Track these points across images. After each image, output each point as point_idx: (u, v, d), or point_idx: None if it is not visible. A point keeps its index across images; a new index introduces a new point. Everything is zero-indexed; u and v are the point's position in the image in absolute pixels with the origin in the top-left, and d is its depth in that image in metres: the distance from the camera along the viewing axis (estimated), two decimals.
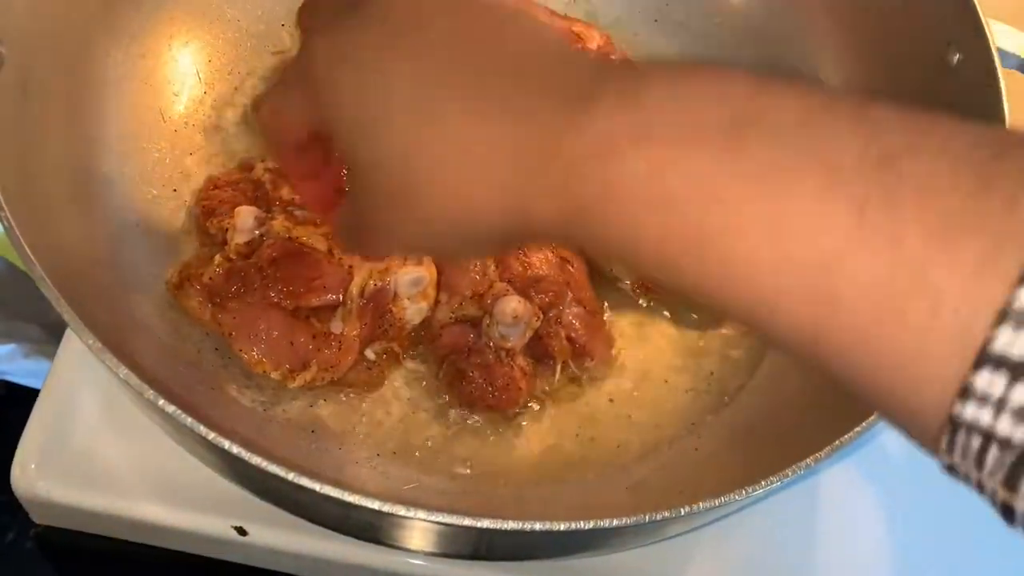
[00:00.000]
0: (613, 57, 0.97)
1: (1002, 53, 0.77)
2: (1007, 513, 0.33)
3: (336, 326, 0.80)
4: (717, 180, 0.38)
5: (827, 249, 0.35)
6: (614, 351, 0.87)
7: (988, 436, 0.32)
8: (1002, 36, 0.79)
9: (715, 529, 0.84)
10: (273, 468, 0.54)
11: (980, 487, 0.34)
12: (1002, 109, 0.74)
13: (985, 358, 0.31)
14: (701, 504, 0.66)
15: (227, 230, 0.83)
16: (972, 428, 0.32)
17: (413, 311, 0.84)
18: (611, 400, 0.86)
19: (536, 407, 0.85)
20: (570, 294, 0.85)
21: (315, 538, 0.79)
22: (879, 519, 0.88)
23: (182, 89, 0.93)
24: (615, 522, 0.63)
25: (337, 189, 0.60)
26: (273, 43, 0.97)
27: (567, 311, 0.85)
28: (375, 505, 0.55)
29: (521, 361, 0.82)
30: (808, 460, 0.70)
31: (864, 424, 0.71)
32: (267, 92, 0.84)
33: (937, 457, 0.35)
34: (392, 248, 0.66)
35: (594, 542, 0.77)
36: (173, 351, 0.80)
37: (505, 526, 0.61)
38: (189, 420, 0.54)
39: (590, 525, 0.62)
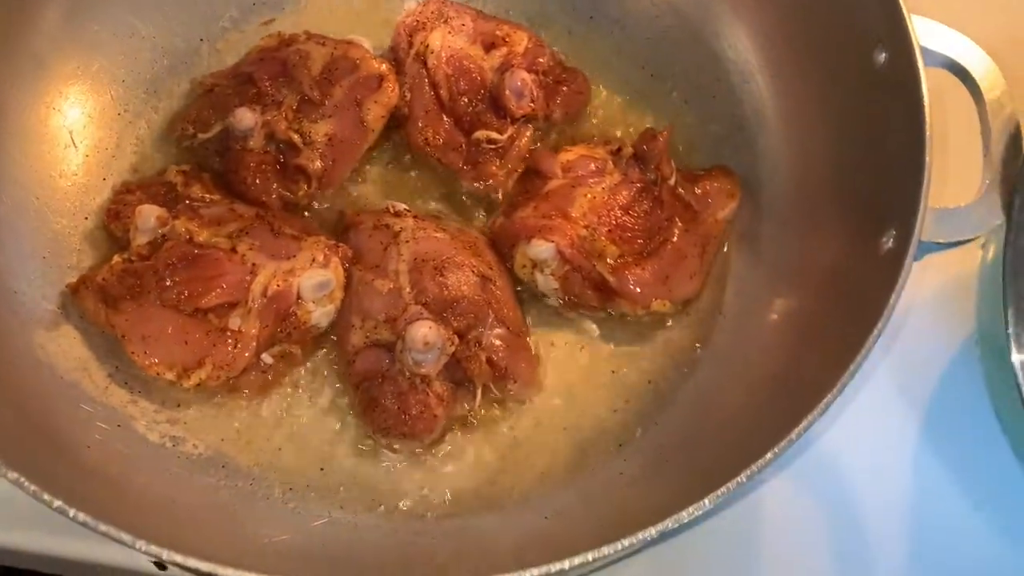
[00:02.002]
0: (541, 60, 0.94)
1: (928, 51, 0.73)
2: None
3: (234, 322, 0.78)
4: None
5: None
6: (539, 371, 0.84)
7: None
8: (930, 34, 0.74)
9: (651, 551, 0.81)
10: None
11: None
12: (923, 110, 0.70)
13: None
14: (607, 548, 0.63)
15: (131, 231, 0.81)
16: None
17: (319, 314, 0.81)
18: (537, 423, 0.83)
19: (458, 433, 0.82)
20: (492, 314, 0.82)
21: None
22: (822, 532, 0.85)
23: (94, 112, 0.90)
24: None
25: None
26: (191, 60, 0.95)
27: (488, 332, 0.81)
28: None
29: (438, 387, 0.79)
30: (723, 488, 0.66)
31: (788, 438, 0.68)
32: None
33: None
34: None
35: None
36: (74, 387, 0.78)
37: None
38: (46, 496, 0.52)
39: None
